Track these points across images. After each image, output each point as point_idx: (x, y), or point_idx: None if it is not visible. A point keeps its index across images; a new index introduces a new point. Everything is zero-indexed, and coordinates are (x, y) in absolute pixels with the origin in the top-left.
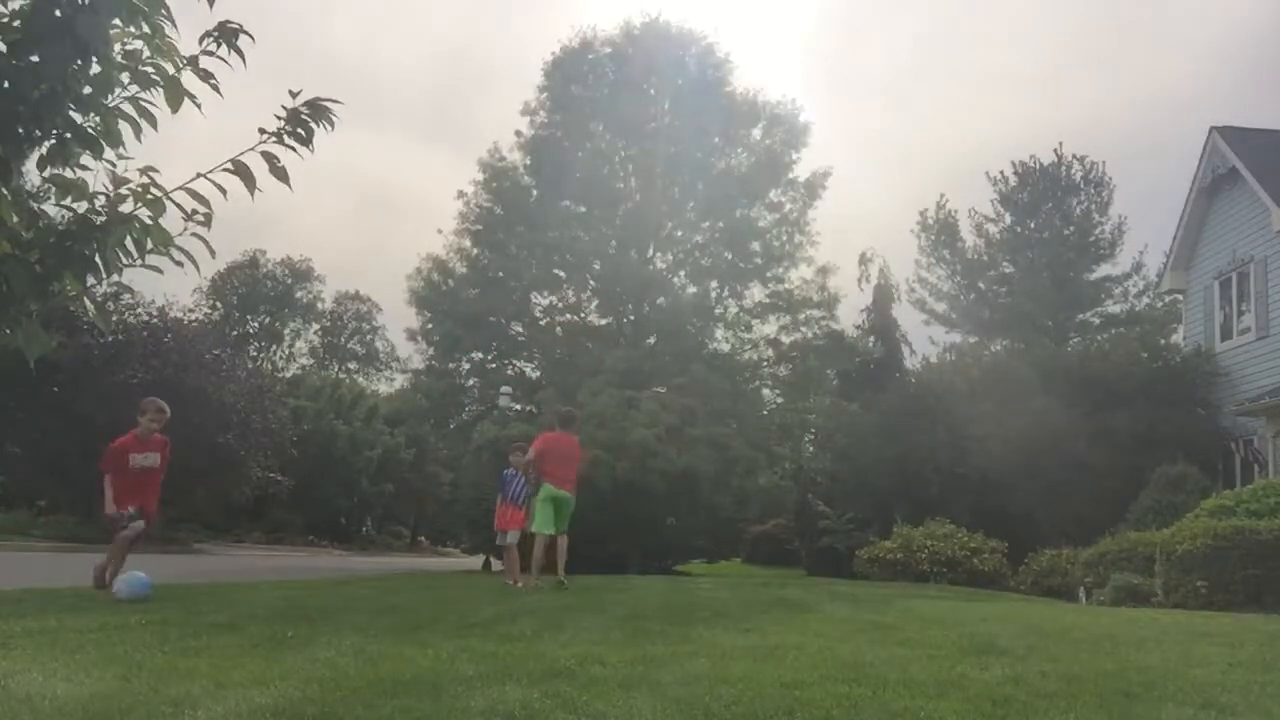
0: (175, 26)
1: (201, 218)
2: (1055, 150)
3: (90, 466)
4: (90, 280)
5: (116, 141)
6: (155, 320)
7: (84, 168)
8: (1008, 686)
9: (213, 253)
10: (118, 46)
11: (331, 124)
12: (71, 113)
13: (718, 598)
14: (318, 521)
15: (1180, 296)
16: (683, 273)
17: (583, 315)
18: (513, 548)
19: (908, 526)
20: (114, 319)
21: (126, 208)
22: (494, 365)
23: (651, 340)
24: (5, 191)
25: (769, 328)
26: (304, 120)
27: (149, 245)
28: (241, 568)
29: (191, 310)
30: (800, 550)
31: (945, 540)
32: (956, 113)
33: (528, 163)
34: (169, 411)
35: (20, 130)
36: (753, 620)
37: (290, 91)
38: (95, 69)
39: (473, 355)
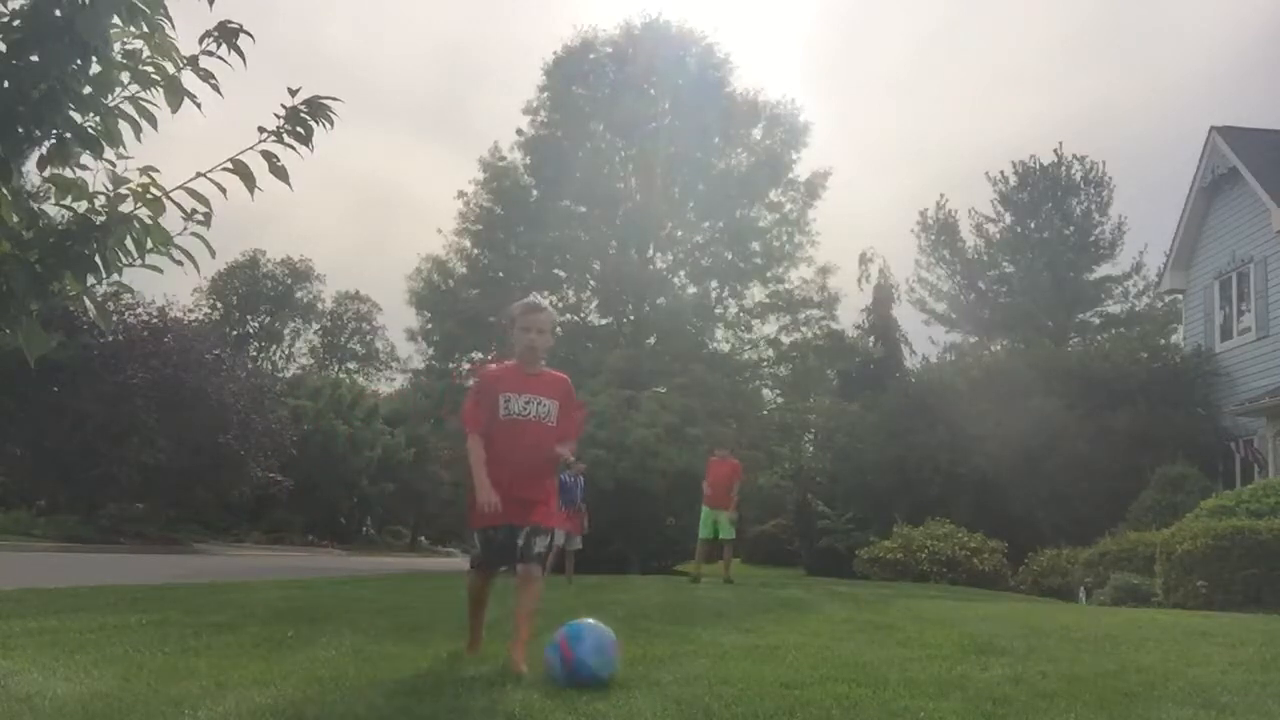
0: (174, 26)
1: (201, 217)
2: (1055, 150)
3: (91, 467)
4: (90, 280)
5: (116, 141)
6: (155, 320)
7: (84, 168)
8: (1008, 686)
9: (212, 252)
10: (118, 46)
11: (331, 122)
12: (71, 113)
13: (718, 598)
14: (318, 521)
15: (1180, 296)
16: (683, 273)
17: (583, 315)
18: (565, 550)
19: (908, 526)
20: (114, 319)
21: (126, 207)
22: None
23: (651, 340)
24: (5, 191)
25: (769, 328)
26: (303, 119)
27: (149, 245)
28: (241, 568)
29: (191, 310)
30: (800, 550)
31: (945, 540)
32: (956, 112)
33: (528, 162)
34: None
35: (20, 130)
36: (753, 620)
37: (289, 90)
38: (95, 69)
39: (473, 355)
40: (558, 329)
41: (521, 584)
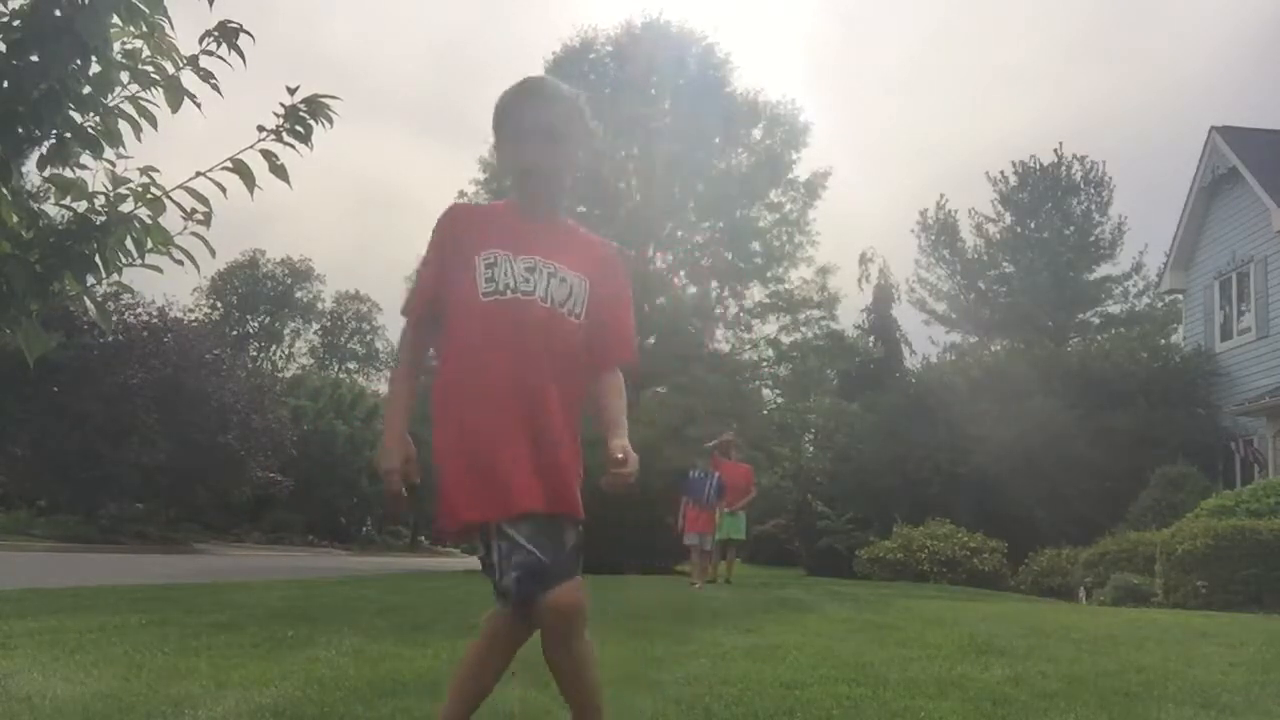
0: (174, 26)
1: (201, 217)
2: (1055, 150)
3: (91, 467)
4: (90, 280)
5: (116, 141)
6: (155, 320)
7: (84, 168)
8: (1008, 686)
9: (212, 252)
10: (117, 46)
11: (331, 121)
12: (71, 112)
13: (718, 598)
14: (318, 521)
15: (1180, 296)
16: (683, 273)
17: None
18: (701, 549)
19: (908, 526)
20: (114, 319)
21: (126, 207)
22: None
23: (651, 340)
24: (5, 191)
25: (769, 328)
26: (303, 118)
27: (149, 245)
28: (241, 568)
29: (191, 310)
30: (800, 550)
31: (945, 540)
32: (956, 112)
33: None
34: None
35: (20, 130)
36: (753, 620)
37: (288, 88)
38: (95, 68)
39: None
40: (596, 141)
41: (551, 629)
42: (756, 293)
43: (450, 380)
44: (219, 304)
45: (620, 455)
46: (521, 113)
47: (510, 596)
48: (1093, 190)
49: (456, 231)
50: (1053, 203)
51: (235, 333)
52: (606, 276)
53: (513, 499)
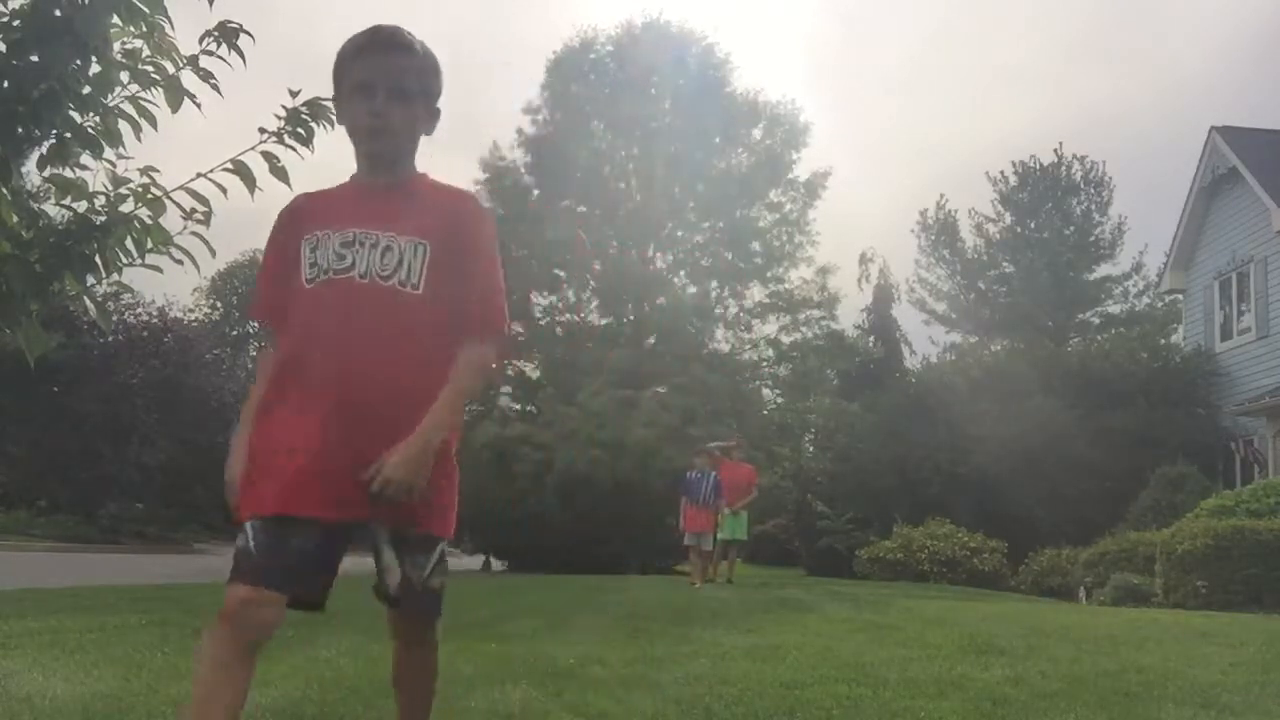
0: (174, 26)
1: (201, 217)
2: (1055, 150)
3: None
4: (90, 280)
5: (116, 141)
6: (155, 320)
7: (84, 168)
8: (1008, 686)
9: (213, 252)
10: (117, 46)
11: (332, 123)
12: (71, 112)
13: (718, 598)
14: None
15: (1180, 296)
16: (683, 273)
17: (583, 315)
18: (700, 549)
19: (908, 526)
20: (114, 319)
21: (126, 208)
22: (493, 365)
23: (651, 340)
24: (5, 191)
25: (769, 328)
26: (304, 120)
27: (149, 245)
28: None
29: (191, 310)
30: (800, 550)
31: (945, 540)
32: (956, 112)
33: (529, 162)
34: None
35: (20, 130)
36: (753, 620)
37: (290, 91)
38: (95, 68)
39: None
40: (439, 91)
41: (405, 649)
42: (756, 293)
43: (273, 378)
44: (219, 304)
45: (370, 475)
46: (367, 65)
47: (249, 574)
48: (1093, 190)
49: (290, 223)
50: (1053, 203)
51: (235, 333)
52: (456, 235)
53: (271, 501)
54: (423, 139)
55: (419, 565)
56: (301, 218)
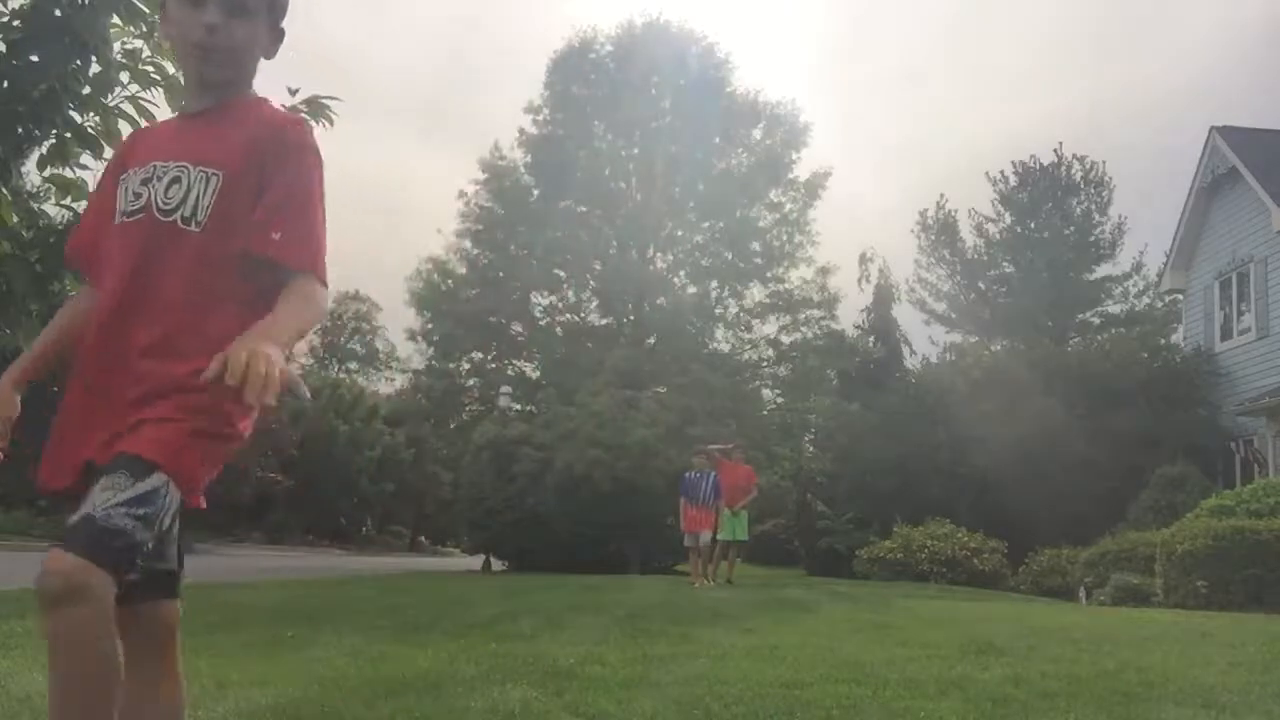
0: None
1: None
2: (1055, 150)
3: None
4: None
5: (116, 141)
6: None
7: (84, 168)
8: (1008, 686)
9: None
10: (117, 45)
11: (331, 121)
12: (71, 112)
13: (718, 598)
14: (318, 521)
15: (1180, 296)
16: (683, 273)
17: (583, 315)
18: (698, 549)
19: (908, 526)
20: None
21: None
22: (494, 365)
23: (651, 340)
24: (5, 191)
25: (769, 328)
26: (303, 118)
27: None
28: (241, 568)
29: None
30: (800, 550)
31: (945, 540)
32: (956, 112)
33: (529, 162)
34: None
35: (20, 130)
36: (753, 620)
37: (289, 89)
38: (95, 68)
39: (473, 355)
40: (285, 7)
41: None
42: (756, 293)
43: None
44: None
45: (212, 371)
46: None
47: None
48: (1093, 190)
49: (113, 162)
50: (1053, 203)
51: None
52: (262, 163)
53: (58, 472)
54: (425, 141)
55: (119, 498)
56: (124, 154)
